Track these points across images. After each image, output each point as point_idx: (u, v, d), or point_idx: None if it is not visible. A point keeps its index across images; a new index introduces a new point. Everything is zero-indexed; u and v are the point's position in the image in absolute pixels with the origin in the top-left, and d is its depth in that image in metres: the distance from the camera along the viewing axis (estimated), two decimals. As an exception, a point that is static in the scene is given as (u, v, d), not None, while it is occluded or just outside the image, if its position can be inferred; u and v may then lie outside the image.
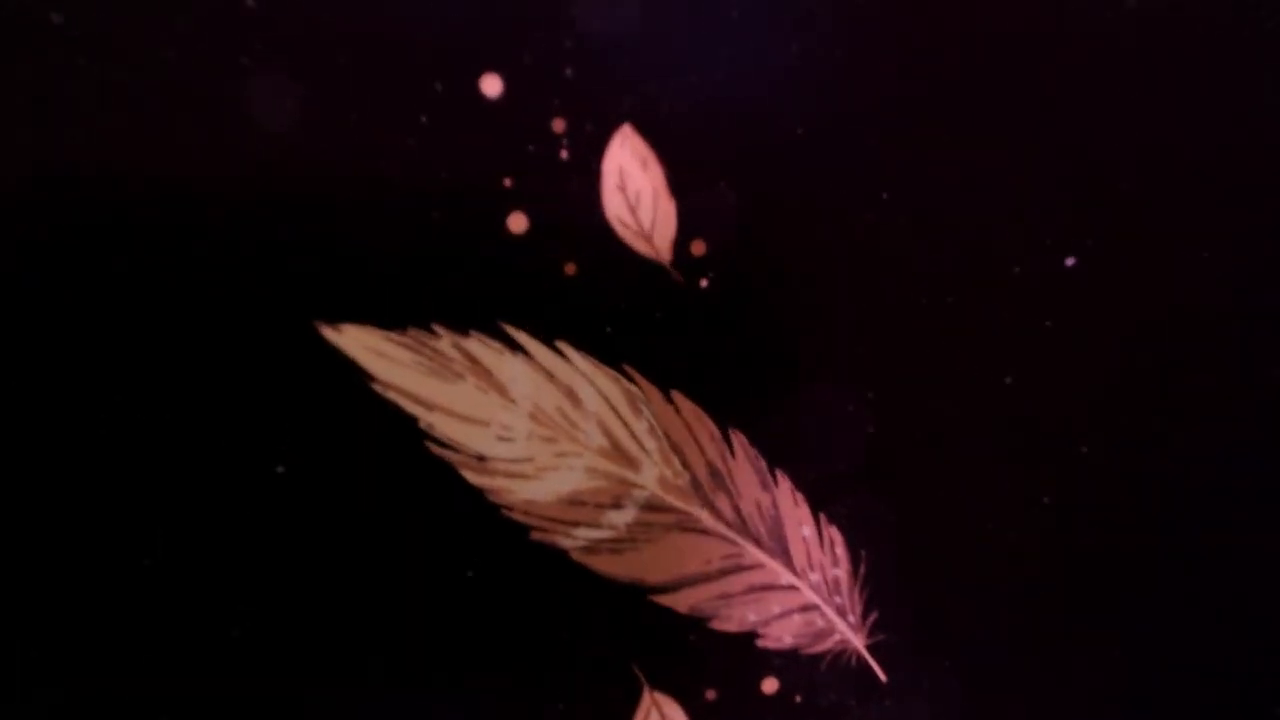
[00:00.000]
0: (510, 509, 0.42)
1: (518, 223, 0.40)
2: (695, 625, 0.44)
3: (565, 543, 0.43)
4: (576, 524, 0.42)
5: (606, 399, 0.42)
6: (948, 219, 0.41)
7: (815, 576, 0.44)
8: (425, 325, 0.40)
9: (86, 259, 0.35)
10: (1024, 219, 0.41)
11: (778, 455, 0.44)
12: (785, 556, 0.44)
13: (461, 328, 0.40)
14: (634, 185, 0.40)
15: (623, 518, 0.42)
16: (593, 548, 0.43)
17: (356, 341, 0.40)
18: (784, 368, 0.42)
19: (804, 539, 0.45)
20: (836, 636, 0.45)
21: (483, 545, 0.42)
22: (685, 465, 0.43)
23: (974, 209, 0.41)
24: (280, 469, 0.40)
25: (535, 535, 0.42)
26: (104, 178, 0.34)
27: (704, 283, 0.41)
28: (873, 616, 0.45)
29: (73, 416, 0.36)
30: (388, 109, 0.37)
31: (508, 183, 0.39)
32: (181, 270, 0.36)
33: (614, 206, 0.40)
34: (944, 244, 0.42)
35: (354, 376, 0.40)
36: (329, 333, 0.39)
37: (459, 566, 0.42)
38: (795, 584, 0.44)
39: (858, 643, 0.45)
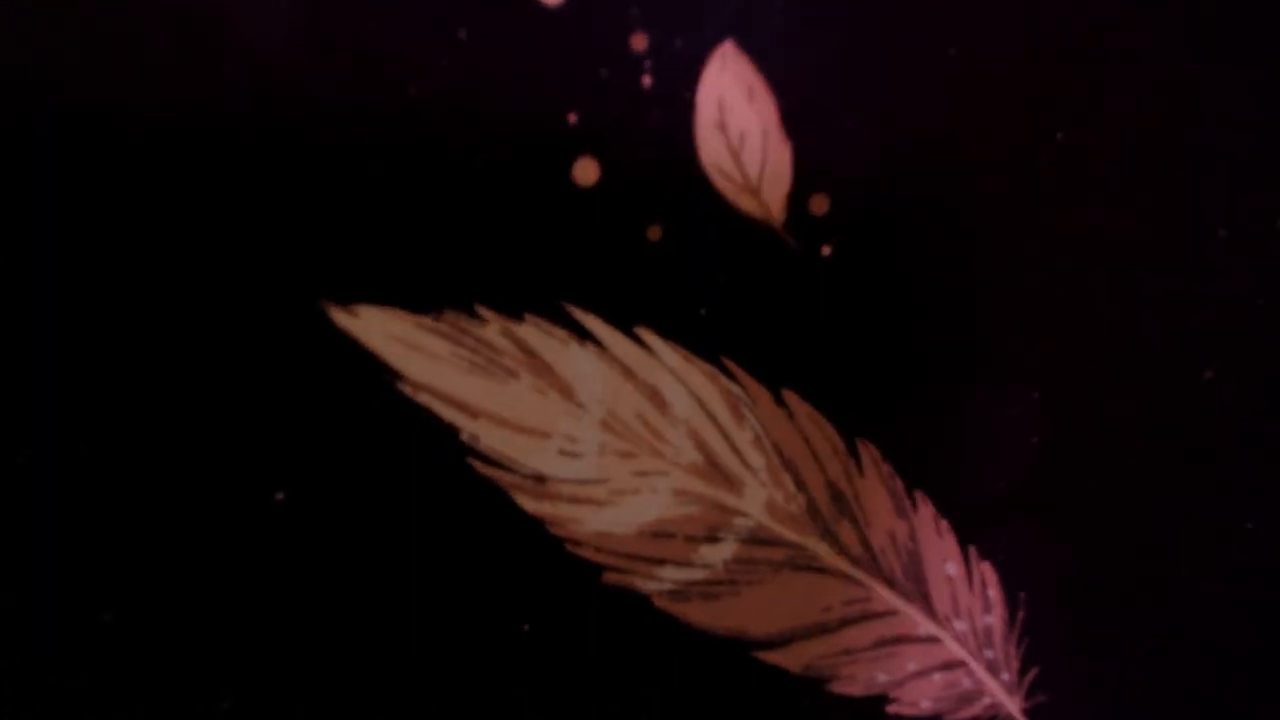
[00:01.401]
0: (577, 544, 0.38)
1: (586, 171, 0.36)
2: (811, 688, 0.40)
3: (647, 586, 0.38)
4: (661, 562, 0.38)
5: (700, 402, 0.38)
6: (1137, 168, 0.38)
7: (961, 625, 0.40)
8: (467, 307, 0.36)
9: (70, 208, 0.33)
10: (1232, 168, 0.38)
11: (917, 473, 0.39)
12: (924, 601, 0.40)
13: (514, 310, 0.36)
14: (737, 122, 0.36)
15: (720, 554, 0.38)
16: (682, 592, 0.38)
17: (377, 328, 0.36)
18: (926, 362, 0.38)
19: (948, 578, 0.40)
20: (987, 700, 0.41)
21: (542, 591, 0.38)
22: (800, 486, 0.39)
23: (1169, 155, 0.38)
24: (279, 495, 0.36)
25: (609, 577, 0.38)
26: (97, 120, 0.33)
27: (826, 250, 0.37)
28: (1032, 674, 0.41)
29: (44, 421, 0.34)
30: (415, 20, 0.34)
31: (573, 119, 0.35)
32: (154, 229, 0.34)
33: (711, 150, 0.36)
34: (1131, 201, 0.38)
35: (374, 375, 0.36)
36: (341, 317, 0.35)
37: (513, 618, 0.38)
38: (937, 635, 0.40)
39: (1013, 707, 0.41)
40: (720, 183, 0.37)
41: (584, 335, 0.37)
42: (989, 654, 0.41)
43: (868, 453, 0.39)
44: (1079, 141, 0.38)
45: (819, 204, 0.37)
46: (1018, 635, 0.41)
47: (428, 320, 0.36)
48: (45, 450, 0.34)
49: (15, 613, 0.34)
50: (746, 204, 0.37)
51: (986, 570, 0.40)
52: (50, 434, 0.34)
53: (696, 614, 0.39)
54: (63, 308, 0.34)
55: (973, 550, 0.40)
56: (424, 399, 0.36)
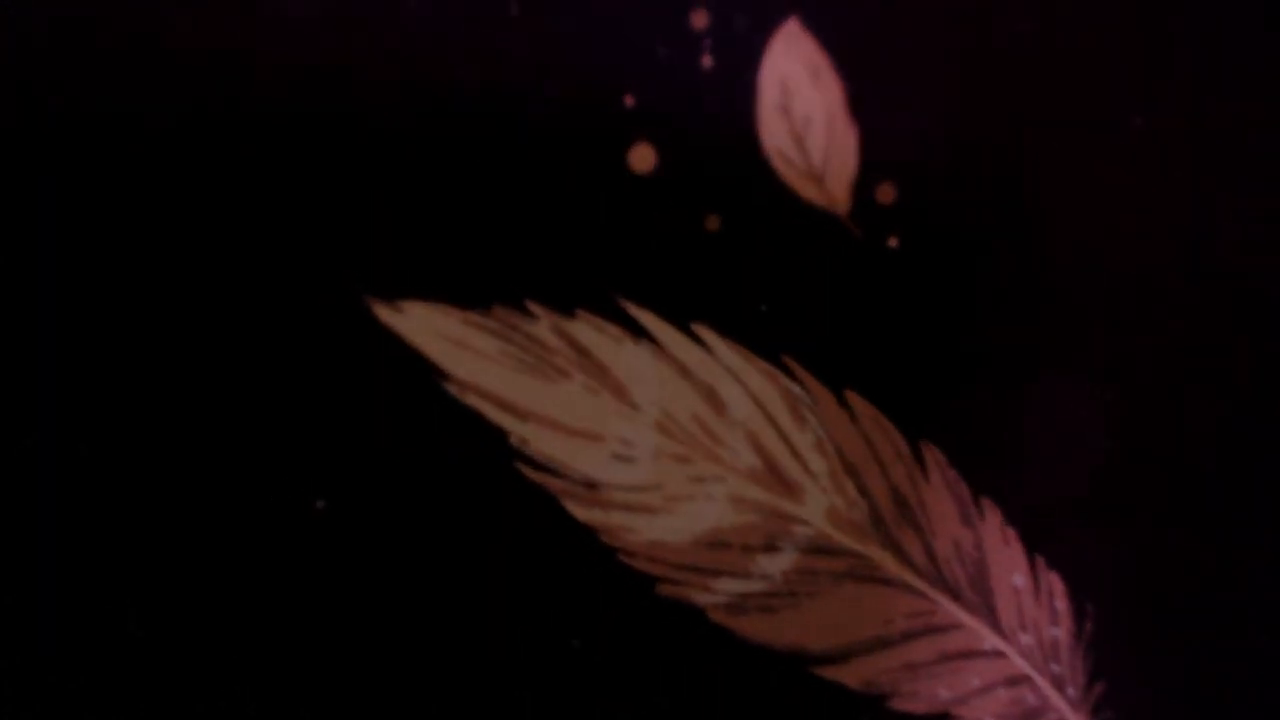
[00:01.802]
0: (630, 554, 0.37)
1: (642, 158, 0.35)
2: (871, 705, 0.39)
3: (702, 598, 0.38)
4: (717, 573, 0.37)
5: (760, 403, 0.37)
6: (1215, 157, 0.37)
7: (1028, 639, 0.39)
8: (517, 303, 0.36)
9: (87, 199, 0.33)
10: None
11: (984, 479, 0.38)
12: (990, 613, 0.39)
13: (565, 306, 0.36)
14: (801, 105, 0.36)
15: (779, 564, 0.38)
16: (739, 605, 0.38)
17: (423, 325, 0.35)
18: (994, 361, 0.38)
19: (1015, 589, 0.39)
20: (1052, 716, 0.40)
21: (593, 603, 0.37)
22: (863, 493, 0.38)
23: (1248, 145, 0.37)
24: (320, 504, 0.35)
25: (663, 589, 0.37)
26: (133, 108, 0.33)
27: (893, 242, 0.37)
28: (1098, 689, 0.40)
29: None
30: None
31: (629, 101, 0.35)
32: (190, 221, 0.34)
33: (774, 135, 0.36)
34: (1210, 192, 0.37)
35: (420, 374, 0.35)
36: (385, 313, 0.35)
37: (562, 633, 0.37)
38: (1002, 649, 0.39)
39: (1080, 725, 0.40)
40: (783, 170, 0.36)
41: (639, 332, 0.37)
42: (1055, 668, 0.40)
43: (933, 457, 0.38)
44: (1156, 130, 0.37)
45: (886, 192, 0.36)
46: (1085, 650, 0.40)
47: (476, 317, 0.36)
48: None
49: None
50: (810, 192, 0.36)
51: (1054, 581, 0.39)
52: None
53: (753, 628, 0.38)
54: (96, 305, 0.34)
55: (1040, 560, 0.39)
56: (471, 400, 0.36)
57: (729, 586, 0.38)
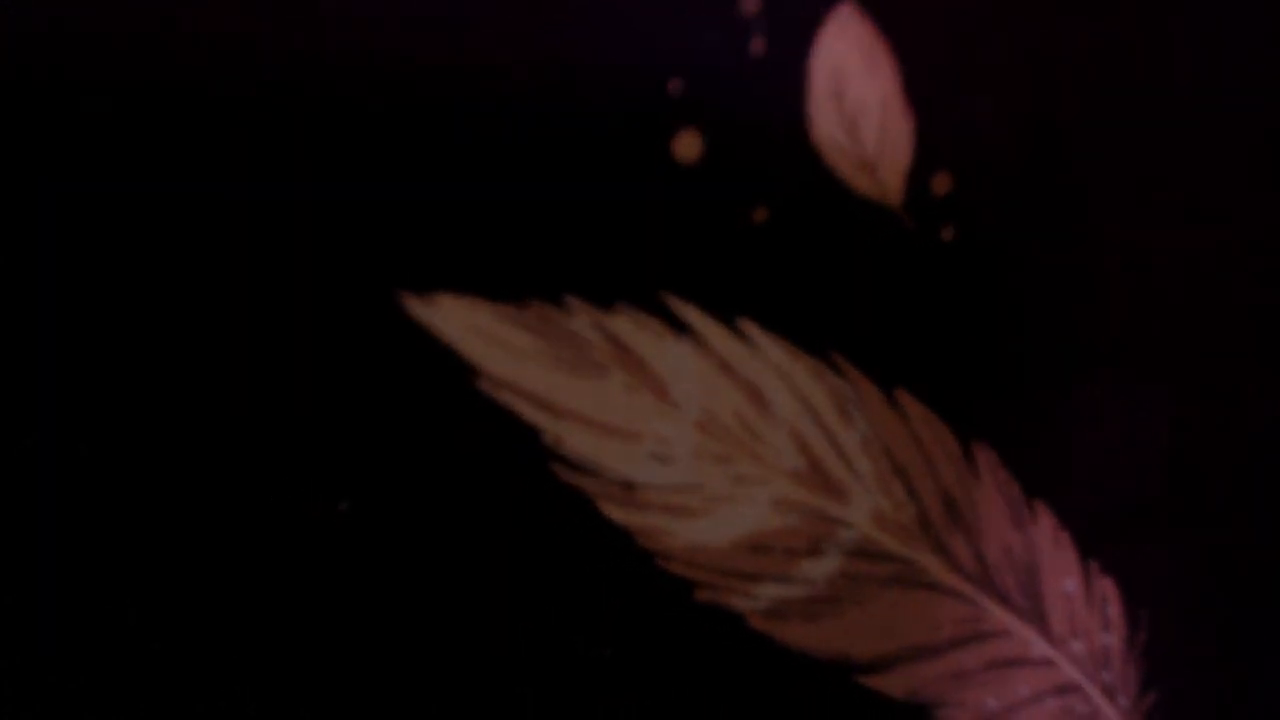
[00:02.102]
0: (668, 558, 0.37)
1: (688, 146, 0.35)
2: (916, 714, 0.38)
3: (743, 604, 0.37)
4: (758, 578, 0.37)
5: (805, 401, 0.37)
6: None
7: (1079, 646, 0.39)
8: (553, 297, 0.35)
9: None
10: None
11: (1036, 481, 0.38)
12: (1040, 620, 0.39)
13: (604, 300, 0.36)
14: (854, 93, 0.35)
15: (823, 568, 0.37)
16: (780, 611, 0.37)
17: (456, 319, 0.35)
18: (1050, 359, 0.37)
19: (1067, 596, 0.39)
20: None
21: (629, 609, 0.37)
22: (911, 494, 0.38)
23: None
24: (344, 505, 0.35)
25: (702, 594, 0.37)
26: (152, 90, 0.33)
27: (947, 235, 0.36)
28: (1150, 699, 0.40)
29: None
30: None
31: (674, 88, 0.34)
32: (208, 215, 0.33)
33: (825, 123, 0.35)
34: (1275, 186, 0.37)
35: (452, 371, 0.35)
36: (417, 306, 0.35)
37: (596, 639, 0.37)
38: (1052, 656, 0.39)
39: (1131, 735, 0.40)
40: (834, 159, 0.36)
41: (680, 328, 0.36)
42: (1106, 677, 0.40)
43: (984, 458, 0.38)
44: (1220, 125, 0.37)
45: (941, 183, 0.36)
46: (1137, 657, 0.40)
47: (511, 311, 0.35)
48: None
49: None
50: (862, 183, 0.36)
51: (1107, 587, 0.39)
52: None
53: (795, 634, 0.38)
54: (108, 299, 0.34)
55: (1093, 565, 0.39)
56: (504, 397, 0.36)
57: (770, 591, 0.37)
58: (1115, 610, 0.39)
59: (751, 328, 0.36)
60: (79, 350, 0.34)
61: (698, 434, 0.37)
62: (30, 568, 0.34)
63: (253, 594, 0.35)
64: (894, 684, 0.38)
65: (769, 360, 0.37)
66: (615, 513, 0.36)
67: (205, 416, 0.35)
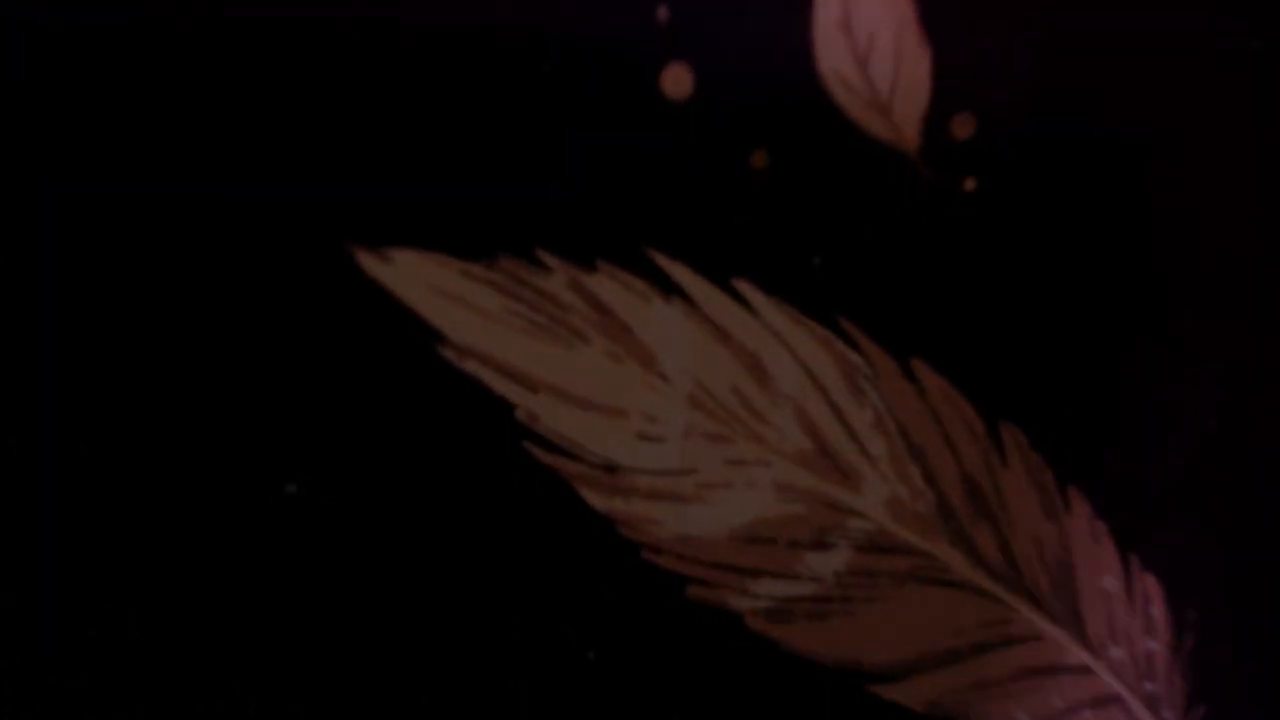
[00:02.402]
0: (656, 550, 0.37)
1: (677, 82, 0.35)
2: None
3: (740, 602, 0.37)
4: (759, 574, 0.37)
5: (811, 374, 0.37)
6: None
7: (1119, 652, 0.39)
8: (526, 253, 0.35)
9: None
10: None
11: (1071, 465, 0.38)
12: (1076, 622, 0.38)
13: (584, 257, 0.36)
14: (865, 22, 0.36)
15: (830, 563, 0.37)
16: (783, 611, 0.37)
17: (415, 278, 0.35)
18: (1085, 329, 0.37)
19: (1105, 594, 0.38)
20: None
21: (613, 608, 0.37)
22: (929, 480, 0.38)
23: None
24: (291, 488, 0.35)
25: (694, 592, 0.37)
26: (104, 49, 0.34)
27: (970, 185, 0.36)
28: (1198, 713, 0.39)
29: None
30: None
31: (662, 16, 0.34)
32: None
33: (831, 57, 0.36)
34: None
35: (410, 336, 0.35)
36: (370, 263, 0.35)
37: (576, 641, 0.37)
38: (1088, 663, 0.38)
39: (1177, 753, 0.40)
40: (842, 98, 0.36)
41: (669, 289, 0.36)
42: (1149, 687, 0.39)
43: (1013, 439, 0.38)
44: (1277, 55, 0.36)
45: (963, 126, 0.36)
46: (1185, 664, 0.39)
47: (478, 269, 0.35)
48: (45, 442, 0.35)
49: (15, 613, 0.35)
50: (873, 125, 0.36)
51: (1150, 584, 0.39)
52: (50, 422, 0.35)
53: (800, 638, 0.37)
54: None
55: (1135, 560, 0.38)
56: (470, 367, 0.35)
57: (772, 589, 0.37)
58: (1159, 612, 0.39)
59: (750, 290, 0.36)
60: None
61: (690, 410, 0.37)
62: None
63: (244, 593, 0.36)
64: (911, 694, 0.38)
65: (770, 327, 0.37)
66: (597, 499, 0.36)
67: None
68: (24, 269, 0.34)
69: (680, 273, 0.36)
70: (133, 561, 0.35)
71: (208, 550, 0.35)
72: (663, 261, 0.36)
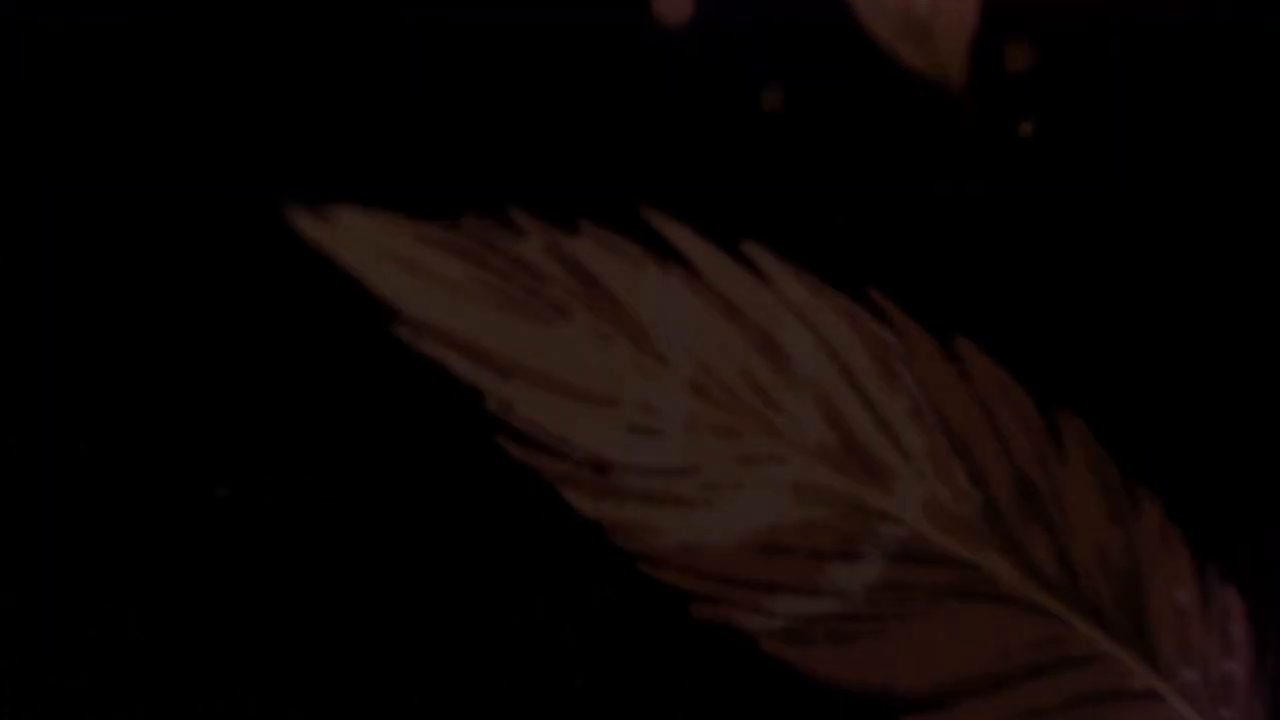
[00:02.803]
0: (654, 561, 0.35)
1: (675, 5, 0.33)
2: None
3: (753, 622, 0.35)
4: (774, 589, 0.35)
5: (834, 355, 0.35)
6: None
7: (1192, 675, 0.36)
8: (496, 212, 0.34)
9: None
10: None
11: (1140, 461, 0.36)
12: (1143, 641, 0.36)
13: (563, 217, 0.34)
14: None
15: (859, 576, 0.35)
16: (803, 631, 0.35)
17: (362, 242, 0.33)
18: (1163, 303, 0.35)
19: (1178, 610, 0.36)
20: None
21: (604, 627, 0.35)
22: (975, 479, 0.36)
23: None
24: (221, 492, 0.34)
25: (699, 610, 0.35)
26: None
27: (1025, 127, 0.34)
28: None
29: None
30: None
31: None
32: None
33: None
34: None
35: (358, 311, 0.34)
36: (308, 224, 0.33)
37: (562, 666, 0.35)
38: (1158, 689, 0.36)
39: (1258, 791, 0.38)
40: (873, 22, 0.34)
41: (667, 255, 0.34)
42: (1227, 715, 0.37)
43: (1073, 430, 0.36)
44: None
45: (1017, 57, 0.34)
46: (1266, 689, 0.37)
47: (437, 232, 0.34)
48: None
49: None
50: (911, 54, 0.34)
51: (1230, 599, 0.36)
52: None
53: (822, 662, 0.35)
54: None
55: (1212, 571, 0.36)
56: (429, 348, 0.34)
57: (790, 607, 0.35)
58: (1239, 629, 0.37)
59: (762, 255, 0.34)
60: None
61: (692, 398, 0.35)
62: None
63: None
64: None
65: (786, 299, 0.35)
66: (584, 503, 0.35)
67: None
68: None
69: (679, 235, 0.34)
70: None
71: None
72: (658, 222, 0.34)
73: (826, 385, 0.35)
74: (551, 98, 0.34)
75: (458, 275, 0.34)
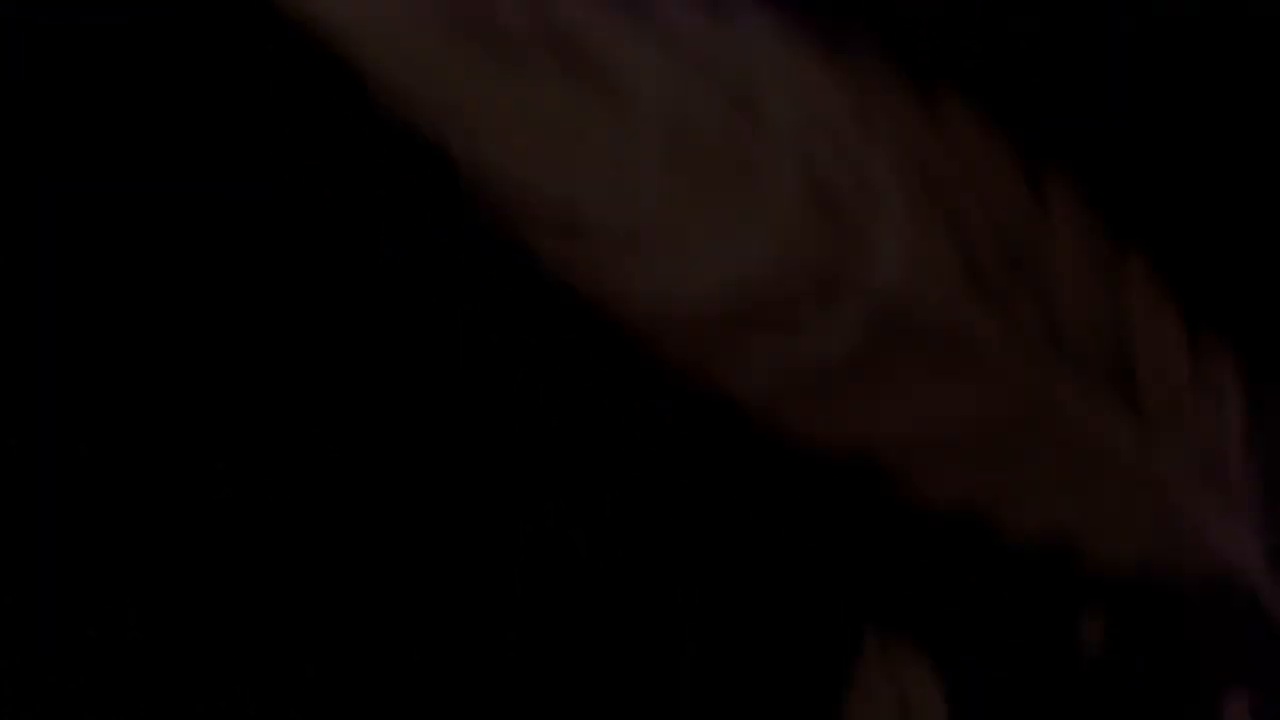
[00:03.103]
0: (627, 319, 0.35)
1: None
2: (966, 529, 0.36)
3: (729, 379, 0.35)
4: (750, 345, 0.35)
5: (810, 103, 0.34)
6: None
7: (1182, 435, 0.38)
8: None
9: None
10: None
11: (1128, 216, 0.35)
12: (1131, 401, 0.36)
13: None
14: None
15: (839, 331, 0.35)
16: (779, 388, 0.35)
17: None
18: (1162, 49, 0.34)
19: (1167, 370, 0.36)
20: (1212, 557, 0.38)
21: (577, 386, 0.34)
22: (958, 238, 0.36)
23: None
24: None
25: (672, 365, 0.34)
26: None
27: None
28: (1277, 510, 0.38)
29: None
30: None
31: None
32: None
33: None
34: None
35: (327, 74, 0.33)
36: None
37: (535, 429, 0.34)
38: (1146, 449, 0.36)
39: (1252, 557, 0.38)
40: None
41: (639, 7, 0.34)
42: (1218, 472, 0.37)
43: (1057, 190, 0.35)
44: None
45: None
46: (1260, 447, 0.37)
47: None
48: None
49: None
50: None
51: (1220, 357, 0.37)
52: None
53: (801, 420, 0.35)
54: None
55: (1202, 330, 0.36)
56: (401, 108, 0.33)
57: (766, 362, 0.35)
58: (1230, 388, 0.37)
59: (739, 4, 0.34)
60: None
61: (664, 150, 0.34)
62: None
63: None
64: (934, 488, 0.36)
65: (758, 45, 0.34)
66: (553, 260, 0.34)
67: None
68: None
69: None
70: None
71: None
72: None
73: (801, 135, 0.35)
74: None
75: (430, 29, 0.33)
